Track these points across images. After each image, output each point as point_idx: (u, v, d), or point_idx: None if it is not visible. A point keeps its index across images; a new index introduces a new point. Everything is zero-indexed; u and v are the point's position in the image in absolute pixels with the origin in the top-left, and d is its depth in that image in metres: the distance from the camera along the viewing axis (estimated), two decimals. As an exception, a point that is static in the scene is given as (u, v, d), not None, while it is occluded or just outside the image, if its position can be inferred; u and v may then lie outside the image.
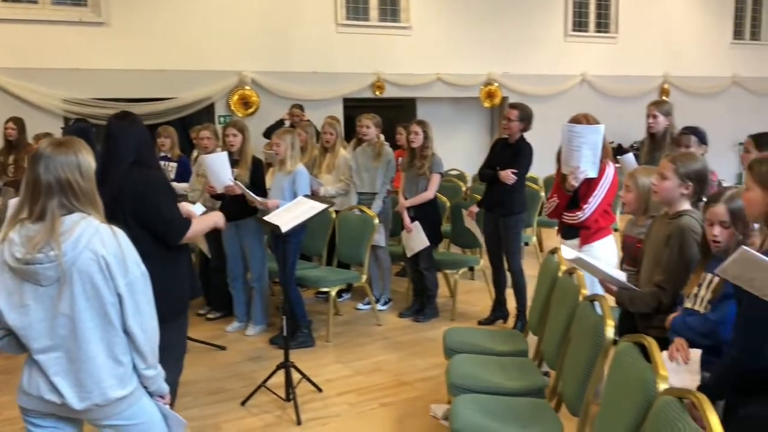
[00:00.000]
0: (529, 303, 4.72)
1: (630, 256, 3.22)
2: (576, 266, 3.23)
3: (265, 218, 4.33)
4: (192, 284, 3.30)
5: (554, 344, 3.27)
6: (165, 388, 2.34)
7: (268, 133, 7.45)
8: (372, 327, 5.57)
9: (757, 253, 1.84)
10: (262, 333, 5.39)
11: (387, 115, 6.87)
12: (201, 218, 3.40)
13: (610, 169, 4.01)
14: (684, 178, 2.86)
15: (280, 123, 7.65)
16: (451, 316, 5.72)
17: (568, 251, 3.23)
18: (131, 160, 3.02)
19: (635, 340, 2.42)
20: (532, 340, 3.77)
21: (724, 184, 4.11)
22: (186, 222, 3.12)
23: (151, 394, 2.31)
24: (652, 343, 2.29)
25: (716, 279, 2.50)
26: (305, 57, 8.93)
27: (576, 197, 4.03)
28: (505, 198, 5.19)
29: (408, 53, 9.59)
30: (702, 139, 4.44)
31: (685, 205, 2.88)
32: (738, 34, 12.77)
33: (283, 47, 8.81)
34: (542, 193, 7.15)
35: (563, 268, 3.51)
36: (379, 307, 5.90)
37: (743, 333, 2.15)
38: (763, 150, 3.47)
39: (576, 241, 3.99)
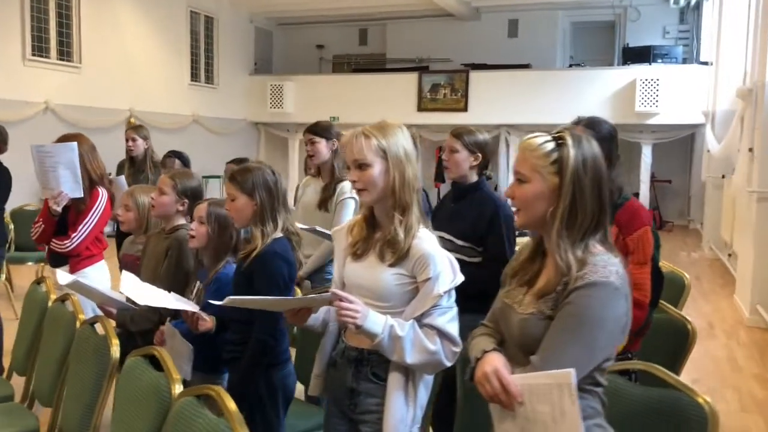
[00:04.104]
0: (7, 346, 4.20)
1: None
2: (72, 291, 3.05)
3: None
4: None
5: (49, 380, 3.01)
6: None
7: None
8: None
9: (245, 297, 2.18)
10: None
11: None
12: None
13: (104, 196, 3.89)
14: (180, 194, 3.01)
15: None
16: None
17: (64, 276, 3.04)
18: None
19: (144, 353, 2.43)
20: (18, 382, 3.38)
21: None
22: None
23: None
24: (162, 353, 2.33)
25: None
26: None
27: (65, 223, 3.80)
28: None
29: None
30: (185, 163, 4.77)
31: (182, 220, 3.04)
32: (195, 77, 13.95)
33: None
34: (11, 227, 6.50)
35: (53, 297, 3.26)
36: None
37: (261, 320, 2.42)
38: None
39: (66, 268, 3.77)
